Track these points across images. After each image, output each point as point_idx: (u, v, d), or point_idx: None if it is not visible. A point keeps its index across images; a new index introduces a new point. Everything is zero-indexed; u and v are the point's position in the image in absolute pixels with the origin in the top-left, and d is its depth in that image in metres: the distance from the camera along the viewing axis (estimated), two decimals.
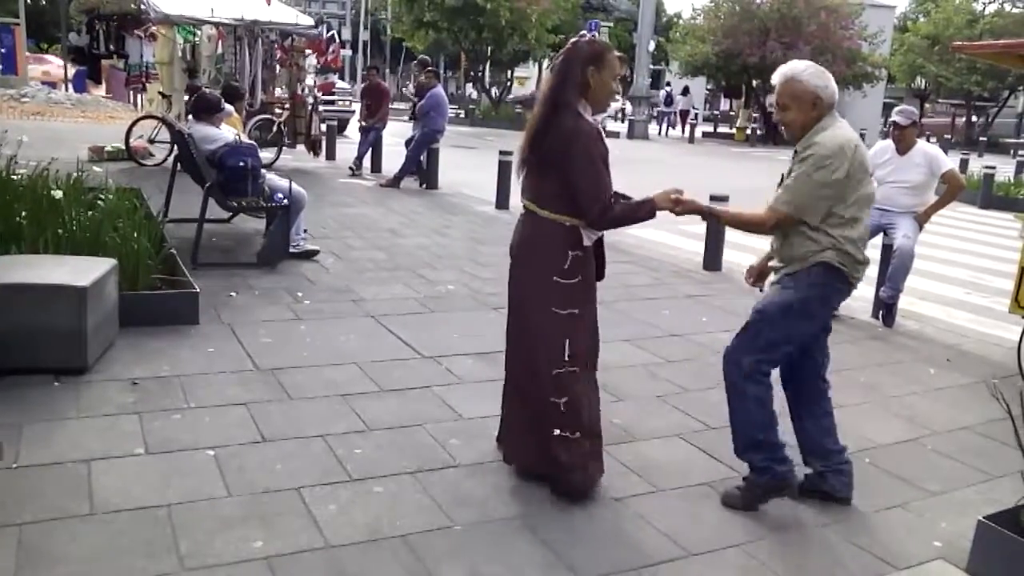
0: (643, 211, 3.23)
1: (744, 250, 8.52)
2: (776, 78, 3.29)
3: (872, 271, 6.61)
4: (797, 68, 3.24)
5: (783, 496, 3.37)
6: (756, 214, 3.37)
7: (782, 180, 3.34)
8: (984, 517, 2.95)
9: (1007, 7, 35.17)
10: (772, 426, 3.34)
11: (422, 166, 12.11)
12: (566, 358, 3.23)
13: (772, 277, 3.48)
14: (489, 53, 32.35)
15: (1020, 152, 25.46)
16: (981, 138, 32.54)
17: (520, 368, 3.39)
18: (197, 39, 12.18)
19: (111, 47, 13.25)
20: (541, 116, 3.22)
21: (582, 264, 3.25)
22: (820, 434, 3.48)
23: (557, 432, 3.23)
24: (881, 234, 6.37)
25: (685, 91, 35.41)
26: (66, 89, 21.32)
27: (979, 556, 2.94)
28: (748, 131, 30.67)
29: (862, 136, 26.72)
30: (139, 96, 13.21)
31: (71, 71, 21.82)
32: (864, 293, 6.81)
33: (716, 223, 3.51)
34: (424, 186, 12.06)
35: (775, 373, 3.39)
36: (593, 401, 3.36)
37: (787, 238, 3.32)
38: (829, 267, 3.23)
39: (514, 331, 3.42)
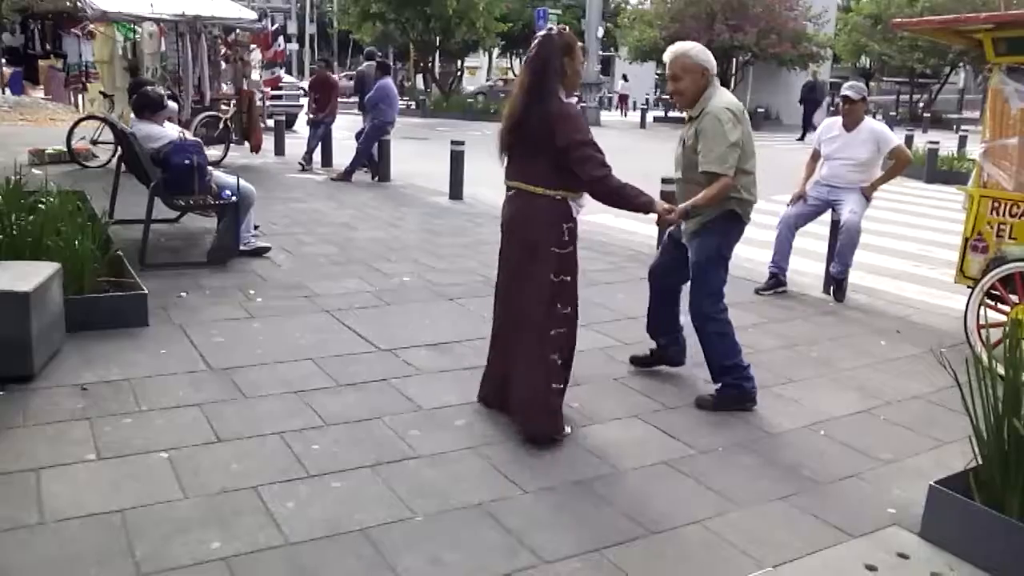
0: (641, 200, 3.62)
1: None
2: (668, 55, 3.96)
3: (822, 247, 6.77)
4: (686, 46, 3.97)
5: (746, 408, 4.06)
6: (717, 186, 3.84)
7: (683, 144, 4.02)
8: (935, 482, 3.01)
9: None
10: (736, 353, 4.09)
11: (373, 159, 12.02)
12: (562, 317, 3.63)
13: (690, 226, 4.04)
14: (438, 43, 32.14)
15: (963, 127, 25.99)
16: (925, 114, 33.17)
17: (514, 327, 3.71)
18: (138, 36, 11.91)
19: (47, 47, 12.88)
20: (523, 105, 3.50)
21: (574, 235, 3.61)
22: (670, 318, 4.46)
23: (554, 385, 3.64)
24: (830, 210, 6.47)
25: (624, 78, 38.82)
26: (2, 91, 20.72)
27: (931, 520, 3.00)
28: None
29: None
30: (80, 96, 12.86)
31: (7, 72, 21.19)
32: (815, 269, 6.94)
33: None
34: (376, 179, 11.98)
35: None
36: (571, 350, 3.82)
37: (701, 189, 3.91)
38: (733, 214, 4.00)
39: (511, 294, 3.72)
